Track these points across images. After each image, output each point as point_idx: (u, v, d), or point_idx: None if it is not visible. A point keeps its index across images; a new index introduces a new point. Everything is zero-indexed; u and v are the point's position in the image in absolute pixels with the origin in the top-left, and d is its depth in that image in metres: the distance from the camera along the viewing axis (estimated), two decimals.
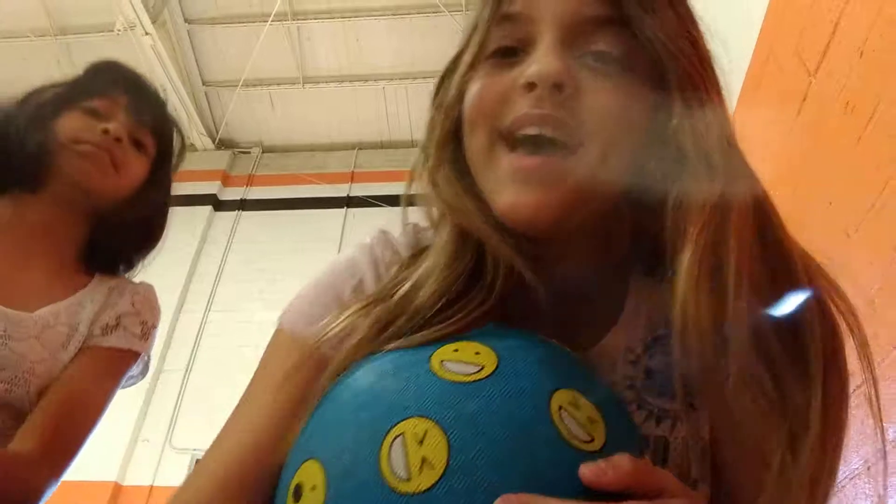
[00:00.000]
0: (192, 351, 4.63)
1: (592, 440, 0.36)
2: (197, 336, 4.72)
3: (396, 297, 0.46)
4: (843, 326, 0.48)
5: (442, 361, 0.39)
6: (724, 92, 0.50)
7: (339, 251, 5.65)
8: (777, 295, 0.43)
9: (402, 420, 0.36)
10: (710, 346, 0.40)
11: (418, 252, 0.52)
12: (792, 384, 0.42)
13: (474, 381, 0.38)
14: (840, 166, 1.36)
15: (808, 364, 0.42)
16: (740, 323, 0.40)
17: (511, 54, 0.48)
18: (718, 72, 0.50)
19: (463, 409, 0.36)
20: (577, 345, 0.47)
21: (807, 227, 1.69)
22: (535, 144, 0.45)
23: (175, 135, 1.10)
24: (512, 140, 0.46)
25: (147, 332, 1.03)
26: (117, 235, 1.04)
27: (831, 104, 1.38)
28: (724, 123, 0.47)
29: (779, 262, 0.44)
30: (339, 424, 0.39)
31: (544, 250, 0.47)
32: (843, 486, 1.32)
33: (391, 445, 0.35)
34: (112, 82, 1.03)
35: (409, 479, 0.33)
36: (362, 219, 5.20)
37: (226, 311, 4.85)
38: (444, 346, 0.41)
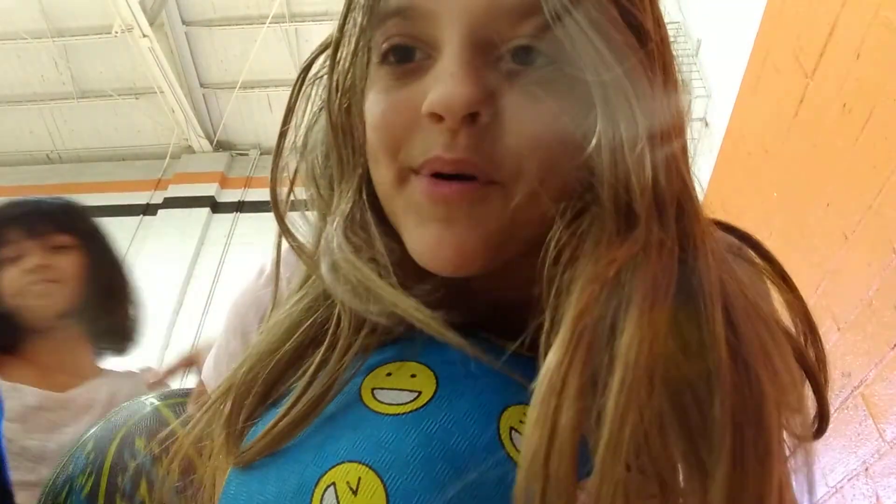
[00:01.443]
0: (191, 353, 4.62)
1: None
2: (195, 338, 4.71)
3: (242, 374, 0.38)
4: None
5: (373, 390, 0.34)
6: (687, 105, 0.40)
7: None
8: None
9: (332, 467, 0.31)
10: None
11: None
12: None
13: (411, 411, 0.32)
14: (837, 168, 1.36)
15: (711, 459, 0.31)
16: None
17: (409, 56, 0.37)
18: (674, 65, 0.39)
19: (400, 449, 0.31)
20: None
21: (805, 229, 1.71)
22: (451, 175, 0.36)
23: (78, 210, 1.23)
24: (424, 173, 0.36)
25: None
26: (102, 315, 1.18)
27: (828, 106, 1.38)
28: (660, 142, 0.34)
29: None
30: (260, 478, 0.33)
31: (470, 283, 0.37)
32: (841, 487, 1.32)
33: (321, 499, 0.30)
34: (2, 226, 1.14)
35: None
36: None
37: (224, 312, 4.83)
38: (376, 370, 0.35)
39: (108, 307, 1.19)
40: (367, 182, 0.40)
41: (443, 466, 0.30)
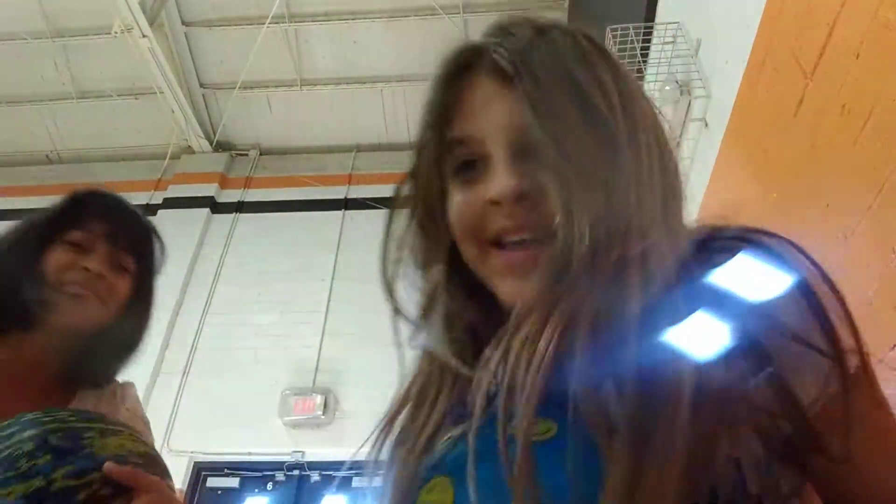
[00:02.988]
0: (190, 353, 4.62)
1: None
2: (195, 338, 4.71)
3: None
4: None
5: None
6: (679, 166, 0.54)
7: (336, 253, 5.59)
8: None
9: None
10: None
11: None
12: None
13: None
14: (837, 168, 1.36)
15: None
16: None
17: (473, 166, 0.54)
18: (661, 137, 0.53)
19: None
20: None
21: (805, 229, 1.70)
22: (519, 242, 0.51)
23: (156, 246, 1.15)
24: (500, 243, 0.52)
25: (147, 423, 1.11)
26: (104, 352, 1.09)
27: (828, 107, 1.38)
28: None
29: None
30: None
31: None
32: None
33: None
34: (89, 213, 1.08)
35: None
36: (360, 221, 5.20)
37: (223, 313, 4.84)
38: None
39: (114, 353, 1.11)
40: (448, 262, 0.57)
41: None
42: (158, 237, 1.16)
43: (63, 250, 1.03)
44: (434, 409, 0.55)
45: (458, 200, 0.54)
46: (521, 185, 0.50)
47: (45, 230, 1.05)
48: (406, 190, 0.60)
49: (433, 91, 0.57)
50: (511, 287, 0.51)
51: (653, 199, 0.49)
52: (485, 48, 0.55)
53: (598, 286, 0.44)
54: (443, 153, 0.56)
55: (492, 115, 0.53)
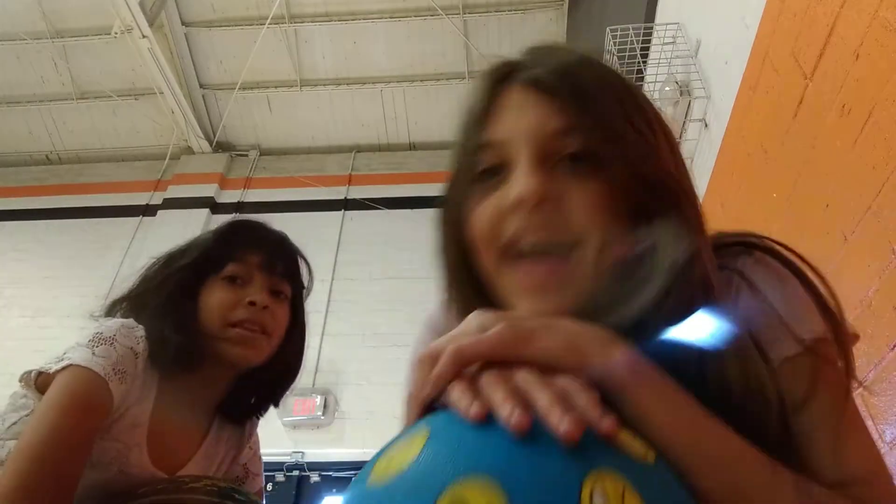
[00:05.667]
0: None
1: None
2: None
3: None
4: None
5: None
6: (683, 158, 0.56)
7: (336, 254, 5.57)
8: None
9: (595, 470, 0.34)
10: None
11: None
12: None
13: (650, 463, 0.38)
14: (837, 169, 1.36)
15: None
16: None
17: (496, 172, 0.54)
18: (669, 138, 0.55)
19: (652, 481, 0.37)
20: None
21: (805, 230, 1.70)
22: (538, 252, 0.50)
23: (304, 267, 1.13)
24: (517, 252, 0.51)
25: (261, 459, 1.13)
26: (265, 384, 1.08)
27: (827, 107, 1.38)
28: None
29: None
30: (528, 456, 0.35)
31: None
32: None
33: (591, 494, 0.33)
34: (241, 244, 1.06)
35: None
36: (360, 221, 5.20)
37: None
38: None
39: (280, 383, 1.10)
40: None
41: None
42: (304, 258, 1.14)
43: (223, 287, 1.00)
44: None
45: (480, 206, 0.54)
46: (545, 187, 0.50)
47: (200, 267, 1.02)
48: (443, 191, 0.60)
49: (470, 99, 0.58)
50: (531, 304, 0.50)
51: (693, 210, 0.52)
52: (522, 63, 0.57)
53: (640, 300, 0.45)
54: (471, 158, 0.56)
55: (521, 121, 0.53)
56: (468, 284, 0.57)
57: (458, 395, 0.39)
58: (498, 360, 0.41)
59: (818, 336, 0.49)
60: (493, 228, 0.52)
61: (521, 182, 0.50)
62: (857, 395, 1.26)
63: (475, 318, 0.44)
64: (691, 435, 0.41)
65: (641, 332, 0.45)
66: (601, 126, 0.51)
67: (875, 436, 1.21)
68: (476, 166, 0.55)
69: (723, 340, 0.46)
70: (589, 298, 0.48)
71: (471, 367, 0.42)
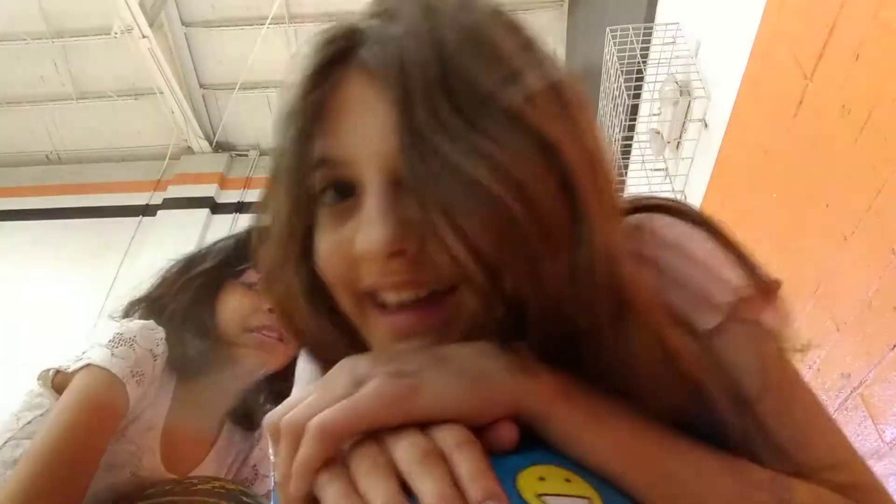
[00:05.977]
0: None
1: None
2: None
3: None
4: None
5: (538, 495, 0.31)
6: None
7: None
8: None
9: None
10: None
11: None
12: None
13: None
14: (837, 169, 1.36)
15: None
16: None
17: (343, 191, 0.41)
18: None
19: None
20: None
21: (804, 230, 1.70)
22: (405, 304, 0.39)
23: None
24: (379, 302, 0.40)
25: (271, 461, 1.11)
26: (280, 391, 1.07)
27: (828, 107, 1.38)
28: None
29: None
30: None
31: None
32: None
33: None
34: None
35: None
36: None
37: None
38: (524, 472, 0.32)
39: (284, 387, 1.12)
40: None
41: None
42: None
43: (242, 292, 1.00)
44: None
45: (325, 242, 0.41)
46: (394, 237, 0.36)
47: (220, 272, 1.02)
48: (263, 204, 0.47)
49: (293, 95, 0.43)
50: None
51: (596, 197, 0.39)
52: (360, 34, 0.41)
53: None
54: (307, 173, 0.41)
55: (362, 133, 0.39)
56: (325, 316, 0.45)
57: (333, 498, 0.31)
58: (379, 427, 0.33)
59: (740, 295, 0.43)
60: (346, 272, 0.40)
61: (364, 233, 0.37)
62: (857, 395, 1.26)
63: (345, 370, 0.35)
64: (632, 451, 0.36)
65: (554, 347, 0.38)
66: (420, 147, 0.36)
67: (875, 436, 1.21)
68: (314, 185, 0.41)
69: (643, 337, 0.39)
70: (480, 329, 0.38)
71: (345, 443, 0.33)
